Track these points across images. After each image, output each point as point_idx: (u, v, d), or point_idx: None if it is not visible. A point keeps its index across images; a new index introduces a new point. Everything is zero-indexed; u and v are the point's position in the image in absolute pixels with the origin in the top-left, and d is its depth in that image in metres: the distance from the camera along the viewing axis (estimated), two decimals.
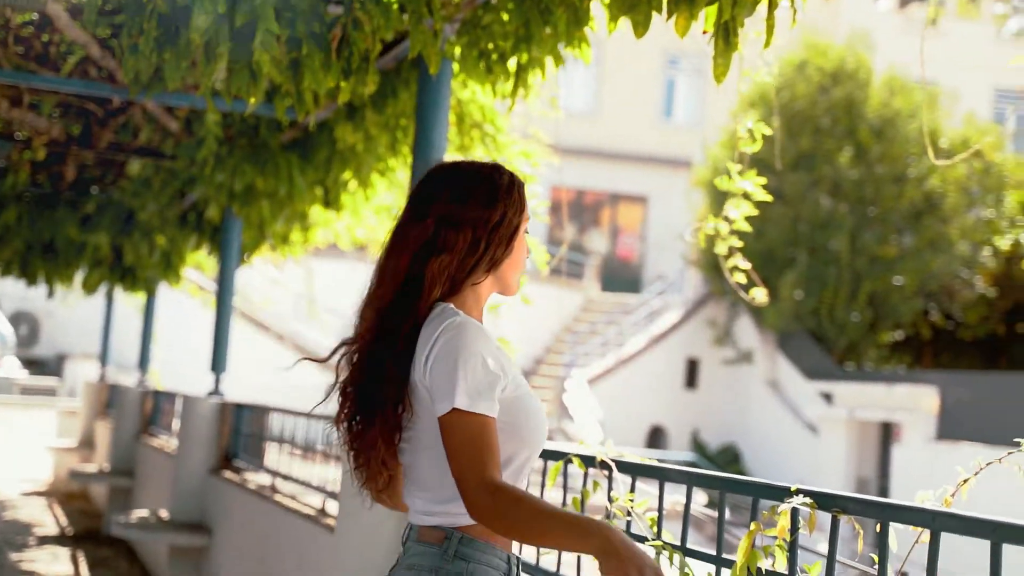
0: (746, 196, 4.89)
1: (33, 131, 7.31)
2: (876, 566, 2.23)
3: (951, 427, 19.34)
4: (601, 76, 31.03)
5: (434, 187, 2.27)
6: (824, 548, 2.38)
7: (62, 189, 9.19)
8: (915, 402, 20.08)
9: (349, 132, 5.76)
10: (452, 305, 2.19)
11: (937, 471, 16.90)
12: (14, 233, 9.41)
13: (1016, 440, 2.38)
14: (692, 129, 30.97)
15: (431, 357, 2.12)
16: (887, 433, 21.14)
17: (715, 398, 25.24)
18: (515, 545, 2.29)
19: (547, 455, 3.27)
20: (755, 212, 4.82)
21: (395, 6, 3.77)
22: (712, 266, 24.22)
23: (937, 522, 2.11)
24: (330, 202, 7.08)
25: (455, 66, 4.77)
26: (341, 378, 2.28)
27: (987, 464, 2.44)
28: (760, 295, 4.96)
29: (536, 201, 6.30)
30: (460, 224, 2.21)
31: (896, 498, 2.24)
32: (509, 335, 6.21)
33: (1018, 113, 29.61)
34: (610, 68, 30.72)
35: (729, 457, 24.07)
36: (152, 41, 3.74)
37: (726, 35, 3.02)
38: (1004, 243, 23.24)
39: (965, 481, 2.42)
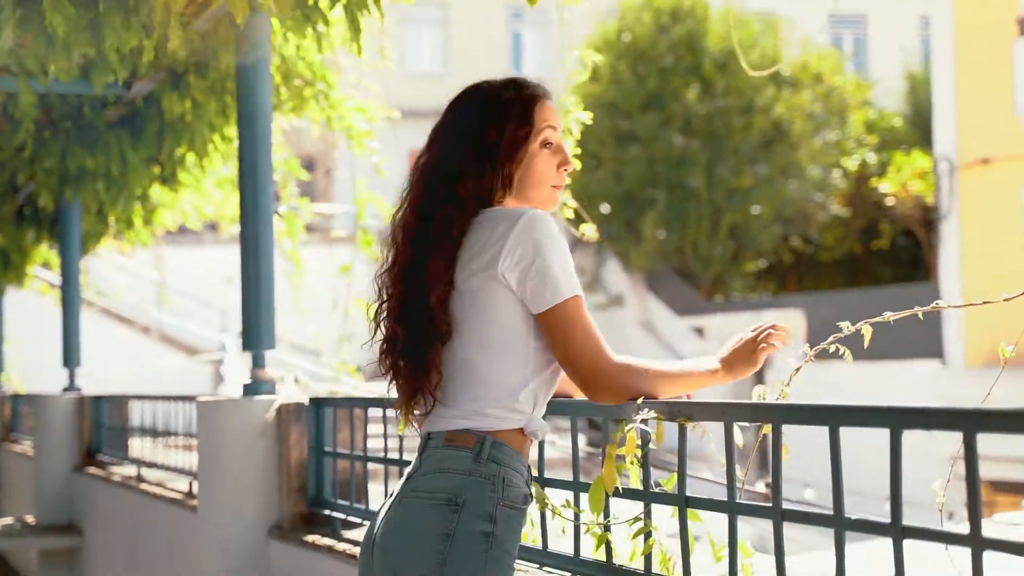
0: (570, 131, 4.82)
1: None
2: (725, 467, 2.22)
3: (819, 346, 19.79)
4: (447, 36, 30.81)
5: (453, 110, 2.31)
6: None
7: None
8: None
9: (176, 101, 5.56)
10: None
11: (810, 391, 17.28)
12: None
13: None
14: (544, 81, 30.93)
15: (519, 252, 2.12)
16: None
17: None
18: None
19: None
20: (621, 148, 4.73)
21: None
22: (573, 213, 24.33)
23: (775, 415, 2.10)
24: (167, 178, 6.86)
25: (273, 21, 4.62)
26: (379, 311, 2.29)
27: (819, 347, 2.45)
28: (589, 231, 4.91)
29: (377, 158, 6.18)
30: (466, 145, 2.23)
31: None
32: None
33: (855, 36, 30.35)
34: (455, 28, 30.51)
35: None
36: None
37: None
38: (852, 164, 23.84)
39: (797, 370, 2.46)
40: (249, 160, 4.30)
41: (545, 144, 2.26)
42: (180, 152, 6.50)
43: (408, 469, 2.28)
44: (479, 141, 2.22)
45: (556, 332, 2.16)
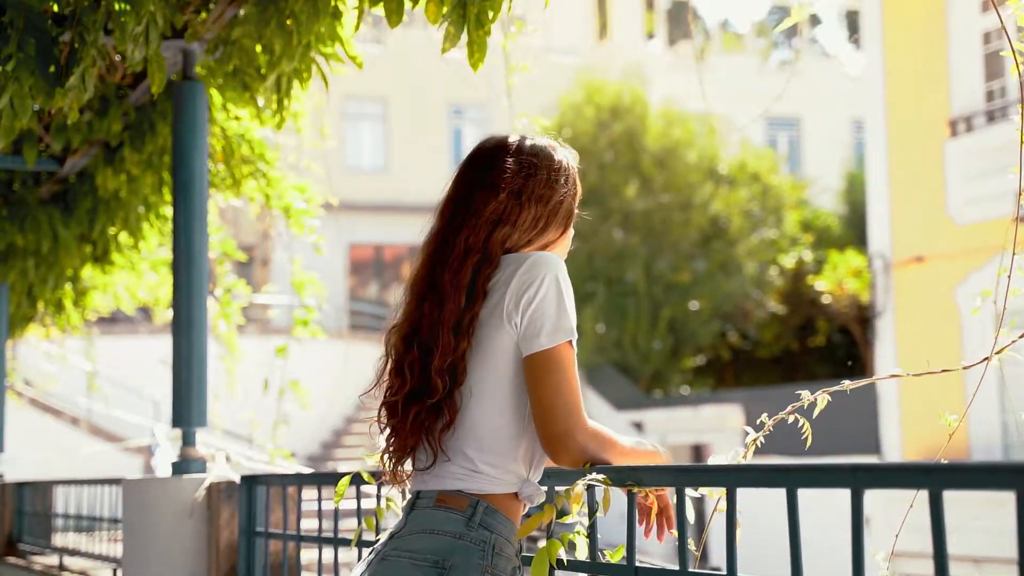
0: None
1: None
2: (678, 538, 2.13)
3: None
4: (388, 132, 30.97)
5: (499, 160, 2.24)
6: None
7: None
8: (721, 422, 20.55)
9: (110, 177, 5.43)
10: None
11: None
12: None
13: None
14: None
15: (524, 288, 2.09)
16: (698, 455, 21.55)
17: None
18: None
19: (334, 477, 3.08)
20: None
21: (131, 24, 3.53)
22: None
23: (731, 477, 2.01)
24: (99, 258, 6.71)
25: (213, 91, 4.56)
26: (391, 356, 2.22)
27: (756, 436, 2.39)
28: None
29: (315, 236, 6.09)
30: (529, 200, 2.20)
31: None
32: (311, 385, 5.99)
33: (789, 137, 30.96)
34: (396, 123, 30.69)
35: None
36: None
37: (477, 18, 2.91)
38: (788, 261, 24.15)
39: (754, 440, 2.38)
40: (184, 232, 4.19)
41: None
42: (113, 231, 6.36)
43: (392, 527, 2.19)
44: (545, 200, 2.23)
45: (541, 377, 2.07)
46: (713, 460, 2.31)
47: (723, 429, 20.42)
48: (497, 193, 2.20)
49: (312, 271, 6.44)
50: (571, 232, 2.33)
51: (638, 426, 22.37)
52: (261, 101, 4.36)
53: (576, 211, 2.33)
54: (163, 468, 19.61)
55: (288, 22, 3.59)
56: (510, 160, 2.24)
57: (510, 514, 2.12)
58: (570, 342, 2.09)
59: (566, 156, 2.33)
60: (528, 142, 2.30)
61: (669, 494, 2.22)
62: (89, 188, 6.02)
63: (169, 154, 5.22)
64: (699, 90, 25.97)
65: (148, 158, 5.17)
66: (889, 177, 17.08)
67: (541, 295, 2.07)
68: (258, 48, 3.91)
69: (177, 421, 4.16)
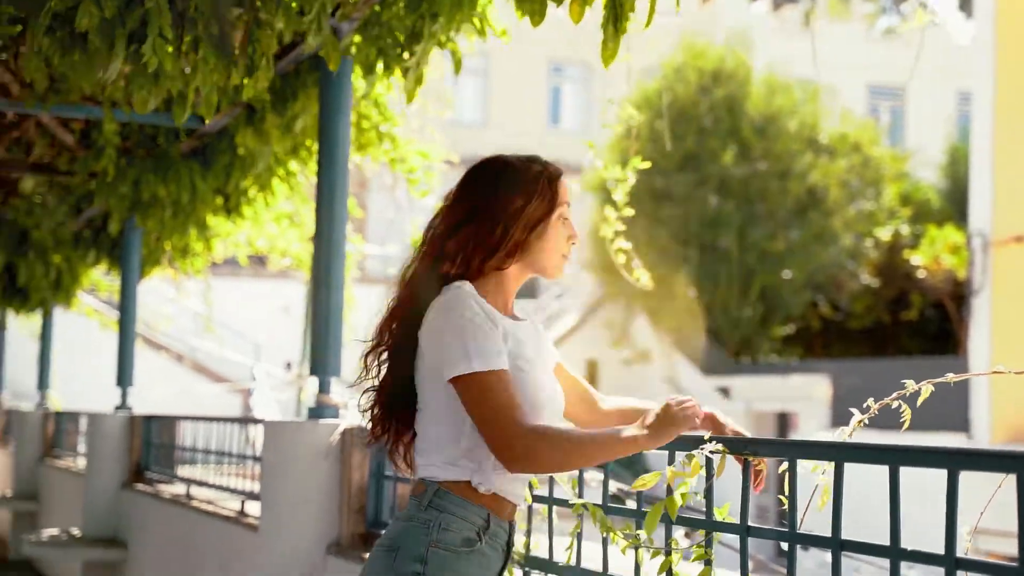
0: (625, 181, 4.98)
1: None
2: (786, 504, 2.40)
3: (844, 414, 19.73)
4: (488, 87, 31.26)
5: (472, 176, 2.50)
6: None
7: None
8: (808, 392, 20.63)
9: (250, 137, 5.81)
10: (466, 284, 2.36)
11: None
12: None
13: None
14: (579, 135, 31.37)
15: (432, 329, 2.33)
16: (783, 423, 21.68)
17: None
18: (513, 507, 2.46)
19: None
20: (655, 206, 4.88)
21: (295, 5, 3.86)
22: (607, 268, 24.57)
23: (840, 454, 2.29)
24: (231, 209, 7.11)
25: (354, 65, 4.88)
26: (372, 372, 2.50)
27: (878, 404, 2.62)
28: (645, 278, 5.11)
29: (434, 201, 6.41)
30: (483, 210, 2.41)
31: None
32: None
33: (892, 107, 30.59)
34: (496, 79, 30.96)
35: (632, 457, 24.41)
36: (57, 48, 3.77)
37: (615, 20, 3.19)
38: (885, 234, 23.99)
39: (859, 421, 2.61)
40: (327, 196, 4.54)
41: (562, 218, 2.45)
42: (245, 185, 6.76)
43: None
44: (503, 207, 2.40)
45: (464, 404, 2.30)
46: (796, 433, 2.56)
47: (810, 399, 20.50)
48: (456, 206, 2.51)
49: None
50: (555, 236, 2.49)
51: (724, 392, 22.53)
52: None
53: (553, 217, 2.50)
54: (260, 407, 20.30)
55: (435, 8, 3.89)
56: (477, 176, 2.53)
57: (466, 496, 2.32)
58: (472, 373, 2.26)
59: (537, 166, 2.55)
60: (503, 158, 2.56)
61: (773, 464, 2.49)
62: (227, 145, 6.42)
63: (306, 119, 5.57)
64: (804, 56, 25.80)
65: (287, 122, 5.53)
66: (994, 152, 16.88)
67: (439, 336, 2.32)
68: (402, 29, 4.21)
69: (314, 370, 4.52)
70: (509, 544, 2.43)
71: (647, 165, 4.54)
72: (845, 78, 27.86)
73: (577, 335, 25.97)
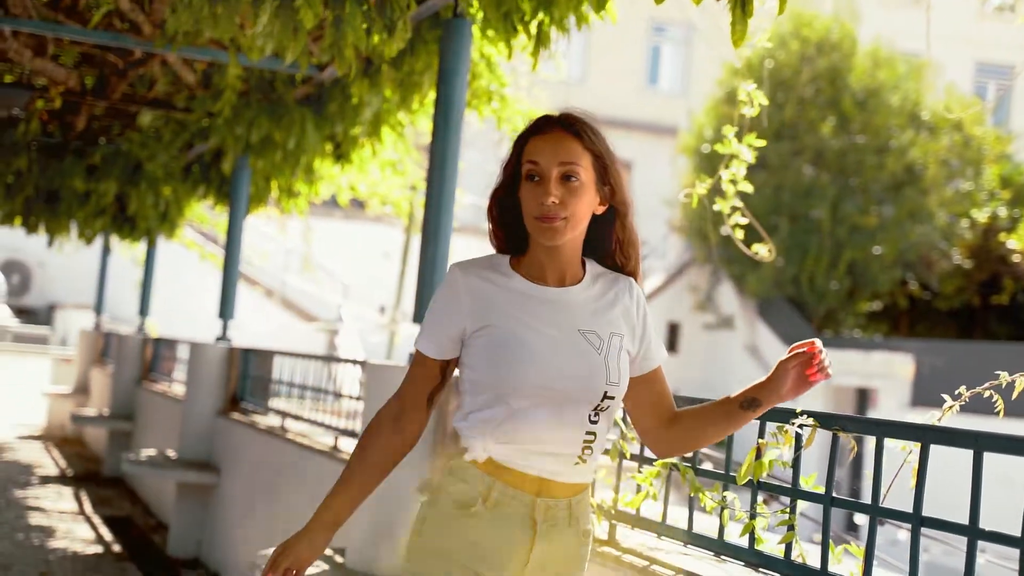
0: (740, 157, 5.04)
1: (51, 81, 7.51)
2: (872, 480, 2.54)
3: (925, 394, 19.76)
4: (588, 43, 31.20)
5: None
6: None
7: (71, 139, 9.39)
8: (891, 369, 20.50)
9: (365, 88, 6.00)
10: (466, 263, 2.36)
11: None
12: (25, 181, 9.62)
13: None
14: (677, 96, 31.23)
15: None
16: (863, 399, 21.57)
17: (695, 362, 25.64)
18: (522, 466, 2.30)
19: None
20: (746, 173, 4.96)
21: None
22: (696, 232, 24.55)
23: (927, 436, 2.42)
24: (339, 155, 7.34)
25: (475, 28, 5.05)
26: None
27: (967, 394, 2.73)
28: (764, 251, 5.20)
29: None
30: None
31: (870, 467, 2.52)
32: None
33: (998, 87, 29.95)
34: (597, 35, 30.87)
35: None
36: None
37: (743, 2, 3.30)
38: (981, 215, 23.63)
39: (949, 407, 2.72)
40: (440, 152, 4.71)
41: (529, 176, 2.25)
42: (354, 133, 6.97)
43: None
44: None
45: None
46: (875, 410, 2.68)
47: (892, 376, 20.38)
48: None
49: None
50: (526, 187, 2.25)
51: None
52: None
53: (514, 173, 2.33)
54: (345, 348, 20.70)
55: None
56: None
57: (472, 462, 2.28)
58: (416, 350, 2.36)
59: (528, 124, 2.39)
60: None
61: (863, 442, 2.62)
62: (340, 94, 6.63)
63: (421, 76, 5.75)
64: (911, 29, 25.38)
65: (402, 77, 5.71)
66: None
67: None
68: None
69: (417, 316, 4.72)
70: (538, 518, 2.27)
71: (762, 143, 4.61)
72: (952, 54, 27.37)
73: (660, 297, 26.02)
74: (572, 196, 2.23)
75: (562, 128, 2.27)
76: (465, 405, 2.31)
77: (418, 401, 2.36)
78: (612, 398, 2.27)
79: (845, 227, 23.05)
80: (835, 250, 23.18)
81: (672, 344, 26.13)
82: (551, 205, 2.20)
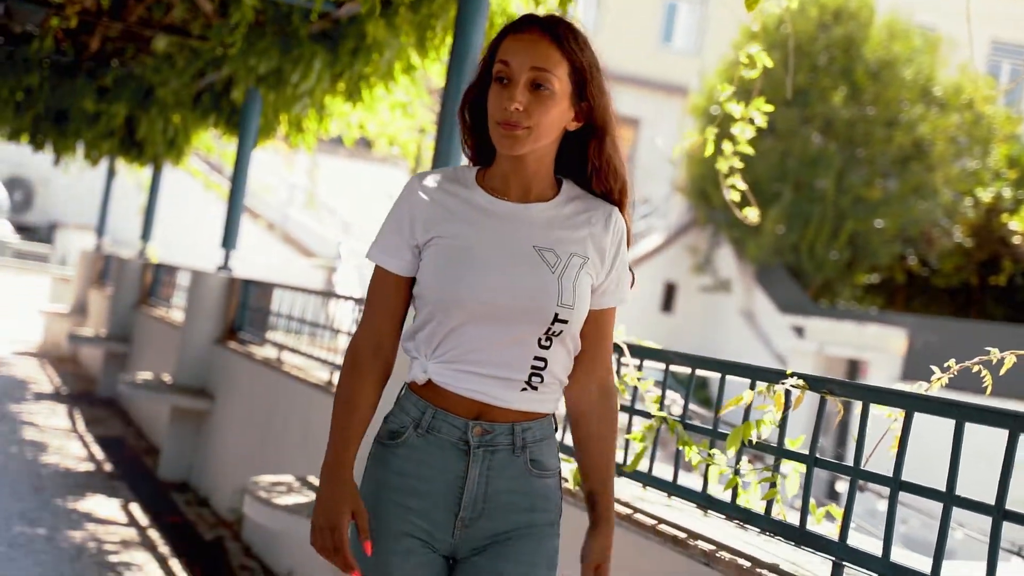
0: (751, 121, 5.02)
1: None
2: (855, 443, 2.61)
3: (916, 369, 19.88)
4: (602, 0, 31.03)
5: None
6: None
7: (84, 59, 9.39)
8: (883, 343, 20.60)
9: (381, 28, 6.02)
10: (430, 173, 2.19)
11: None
12: (35, 98, 9.63)
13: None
14: (690, 57, 31.07)
15: None
16: (853, 370, 21.69)
17: (690, 323, 25.74)
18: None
19: None
20: (752, 137, 4.94)
21: None
22: (698, 193, 24.55)
23: (910, 403, 2.48)
24: (350, 94, 7.35)
25: None
26: None
27: (957, 366, 2.80)
28: (753, 215, 5.25)
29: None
30: None
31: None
32: None
33: (1013, 67, 29.81)
34: None
35: (698, 383, 24.65)
36: None
37: None
38: (986, 195, 23.63)
39: (938, 379, 2.78)
40: (453, 96, 4.74)
41: (498, 78, 2.05)
42: (367, 72, 6.98)
43: None
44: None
45: None
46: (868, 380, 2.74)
47: (884, 350, 20.49)
48: None
49: None
50: (493, 89, 2.05)
51: (799, 331, 22.57)
52: None
53: (484, 73, 2.12)
54: (343, 283, 20.76)
55: None
56: None
57: (411, 387, 2.11)
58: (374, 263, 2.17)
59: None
60: None
61: (851, 408, 2.68)
62: (356, 32, 6.64)
63: (438, 20, 5.76)
64: (929, 2, 25.22)
65: (420, 20, 5.73)
66: None
67: None
68: None
69: None
70: (472, 442, 2.08)
71: (770, 108, 4.62)
72: (968, 30, 27.17)
73: (659, 256, 26.07)
74: (539, 105, 2.03)
75: (541, 31, 2.05)
76: (411, 324, 2.15)
77: (392, 325, 2.15)
78: (565, 322, 2.06)
79: (849, 198, 23.06)
80: (837, 220, 23.20)
81: (668, 304, 26.22)
82: (514, 111, 2.01)
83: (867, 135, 23.06)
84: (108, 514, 6.39)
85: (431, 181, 2.15)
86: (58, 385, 11.42)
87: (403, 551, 2.10)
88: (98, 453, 8.19)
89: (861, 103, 23.19)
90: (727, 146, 4.85)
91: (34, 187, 24.37)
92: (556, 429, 2.22)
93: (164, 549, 5.81)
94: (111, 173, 13.90)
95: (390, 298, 2.15)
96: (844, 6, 23.49)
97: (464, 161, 2.38)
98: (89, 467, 7.65)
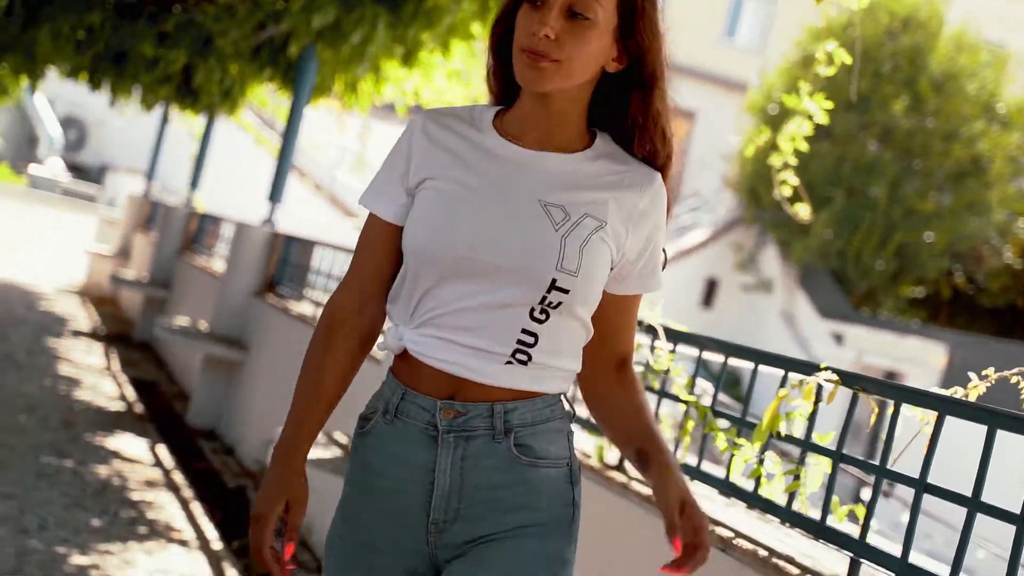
0: (810, 116, 4.97)
1: None
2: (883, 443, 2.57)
3: (954, 385, 19.60)
4: None
5: None
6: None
7: (146, 2, 9.43)
8: (923, 356, 20.43)
9: None
10: (432, 111, 1.86)
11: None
12: (96, 38, 9.67)
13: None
14: (753, 53, 30.81)
15: None
16: None
17: (728, 321, 25.61)
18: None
19: None
20: (808, 136, 4.89)
21: None
22: (748, 191, 24.37)
23: (943, 406, 2.44)
24: (407, 58, 7.35)
25: None
26: None
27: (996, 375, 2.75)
28: (804, 211, 5.20)
29: None
30: None
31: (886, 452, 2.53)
32: None
33: None
34: None
35: (731, 380, 24.50)
36: None
37: None
38: None
39: (975, 386, 2.73)
40: None
41: (527, 5, 1.73)
42: (425, 38, 6.97)
43: None
44: None
45: None
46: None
47: (922, 363, 20.31)
48: None
49: None
50: (523, 11, 1.72)
51: (838, 338, 22.40)
52: None
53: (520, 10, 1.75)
54: None
55: None
56: None
57: (391, 366, 1.84)
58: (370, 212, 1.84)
59: None
60: None
61: (885, 407, 2.64)
62: None
63: None
64: (999, 17, 24.85)
65: None
66: None
67: None
68: None
69: None
70: (441, 426, 1.75)
71: (830, 105, 4.57)
72: None
73: (703, 251, 25.94)
74: (574, 36, 1.69)
75: None
76: (396, 283, 1.84)
77: (379, 284, 1.83)
78: (565, 291, 1.70)
79: (901, 208, 22.83)
80: (886, 230, 22.98)
81: (708, 300, 26.09)
82: (543, 39, 1.68)
83: (925, 147, 22.79)
84: (135, 454, 6.45)
85: (438, 119, 1.82)
86: (97, 324, 11.54)
87: (365, 567, 1.80)
88: (130, 394, 8.26)
89: (922, 114, 22.92)
90: (783, 142, 4.81)
91: (88, 128, 24.60)
92: (567, 416, 1.84)
93: (187, 493, 5.85)
94: (165, 119, 13.99)
95: (379, 251, 1.81)
96: (913, 15, 23.20)
97: None
98: (120, 407, 7.72)
